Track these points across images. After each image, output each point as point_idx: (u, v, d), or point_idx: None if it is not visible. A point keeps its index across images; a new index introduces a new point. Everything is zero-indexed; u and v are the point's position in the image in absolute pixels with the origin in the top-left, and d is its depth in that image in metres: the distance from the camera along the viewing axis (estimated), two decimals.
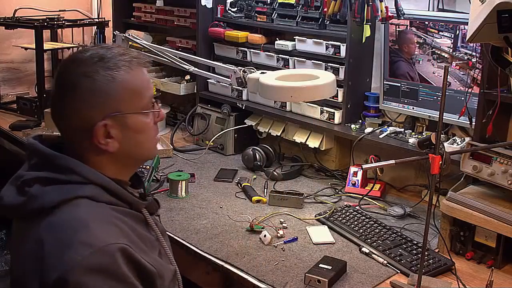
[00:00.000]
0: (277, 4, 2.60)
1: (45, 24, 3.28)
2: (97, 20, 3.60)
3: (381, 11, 2.10)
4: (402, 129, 2.32)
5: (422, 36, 2.17)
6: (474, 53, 2.03)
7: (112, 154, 1.19)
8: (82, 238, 1.05)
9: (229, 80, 2.22)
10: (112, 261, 1.04)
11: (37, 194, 1.12)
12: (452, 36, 2.08)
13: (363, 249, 1.84)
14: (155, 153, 1.33)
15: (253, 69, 2.17)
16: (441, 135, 1.47)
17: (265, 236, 1.88)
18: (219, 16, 2.84)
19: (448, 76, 1.65)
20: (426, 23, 2.16)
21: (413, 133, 2.29)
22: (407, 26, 2.20)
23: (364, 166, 1.61)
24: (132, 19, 3.30)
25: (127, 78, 1.17)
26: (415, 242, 1.86)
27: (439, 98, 2.18)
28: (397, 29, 2.23)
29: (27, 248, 1.12)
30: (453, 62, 2.11)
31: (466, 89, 2.05)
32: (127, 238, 1.10)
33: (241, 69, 2.16)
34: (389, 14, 2.12)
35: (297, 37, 2.53)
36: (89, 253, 1.03)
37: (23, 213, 1.14)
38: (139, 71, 1.20)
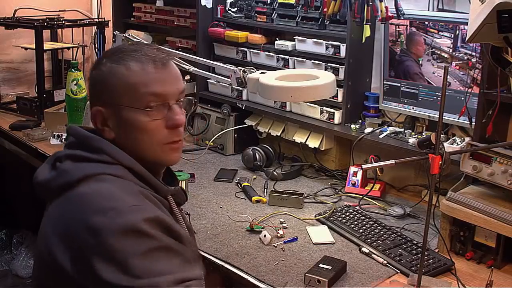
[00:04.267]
0: (277, 4, 2.60)
1: (45, 24, 3.28)
2: (97, 20, 3.60)
3: (381, 11, 2.10)
4: (402, 129, 2.32)
5: (422, 36, 2.17)
6: (474, 53, 2.03)
7: (120, 145, 1.22)
8: (109, 203, 1.09)
9: (229, 80, 2.22)
10: (133, 220, 1.07)
11: (67, 169, 1.17)
12: (452, 36, 2.08)
13: (363, 249, 1.84)
14: (167, 159, 1.26)
15: (253, 69, 2.17)
16: (441, 135, 1.47)
17: (265, 236, 1.89)
18: (219, 16, 2.84)
19: (448, 76, 1.65)
20: (426, 23, 2.16)
21: (413, 133, 2.30)
22: (410, 26, 2.20)
23: (364, 166, 1.61)
24: (132, 19, 3.30)
25: (124, 73, 1.20)
26: (415, 242, 1.86)
27: (439, 98, 2.18)
28: (397, 29, 2.23)
29: (52, 218, 1.17)
30: (453, 62, 2.11)
31: (466, 89, 2.05)
32: (153, 209, 1.14)
33: (241, 69, 2.16)
34: (389, 14, 2.12)
35: (297, 37, 2.53)
36: (115, 214, 1.07)
37: (53, 187, 1.18)
38: (145, 67, 1.21)
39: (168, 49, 1.42)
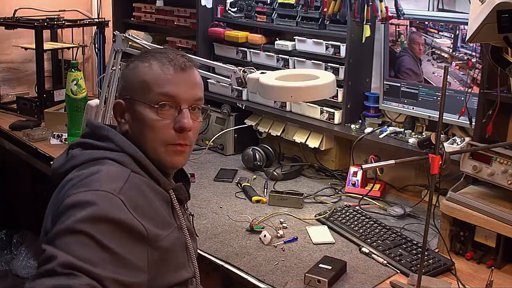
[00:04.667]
0: (277, 4, 2.60)
1: (45, 24, 3.28)
2: (97, 20, 3.60)
3: (381, 11, 2.10)
4: (402, 129, 2.32)
5: (422, 36, 2.17)
6: (474, 53, 2.03)
7: (131, 138, 1.27)
8: (88, 181, 1.14)
9: (229, 80, 2.22)
10: (96, 202, 1.09)
11: (75, 155, 1.25)
12: (452, 36, 2.08)
13: (363, 249, 1.84)
14: (163, 158, 1.27)
15: (253, 69, 2.17)
16: (441, 135, 1.47)
17: (265, 236, 1.89)
18: (219, 16, 2.84)
19: (448, 76, 1.65)
20: (426, 23, 2.16)
21: (413, 133, 2.30)
22: (410, 26, 2.20)
23: (364, 166, 1.61)
24: (132, 19, 3.30)
25: (144, 70, 1.28)
26: (415, 242, 1.86)
27: (439, 98, 2.18)
28: (397, 29, 2.23)
29: (51, 200, 1.24)
30: (453, 62, 2.11)
31: (466, 89, 2.05)
32: (127, 197, 1.14)
33: (241, 69, 2.16)
34: (389, 14, 2.12)
35: (297, 37, 2.53)
36: (83, 190, 1.12)
37: (61, 172, 1.24)
38: (163, 69, 1.27)
39: (193, 57, 1.48)
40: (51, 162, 1.34)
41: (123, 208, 1.11)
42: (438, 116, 1.43)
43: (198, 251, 1.82)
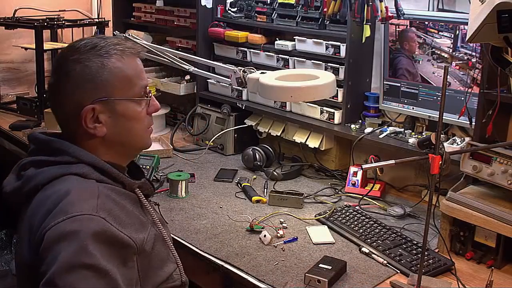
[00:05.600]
0: (277, 4, 2.60)
1: (45, 24, 3.28)
2: (97, 20, 3.60)
3: (381, 11, 2.10)
4: (402, 129, 2.32)
5: (422, 36, 2.17)
6: (474, 53, 2.03)
7: (104, 139, 1.24)
8: (62, 206, 1.10)
9: (229, 80, 2.22)
10: (80, 229, 1.06)
11: (32, 175, 1.20)
12: (452, 36, 2.08)
13: (363, 249, 1.84)
14: (148, 143, 1.33)
15: (253, 69, 2.17)
16: (441, 135, 1.47)
17: (265, 236, 1.89)
18: (219, 16, 2.84)
19: (448, 76, 1.65)
20: (426, 23, 2.16)
21: (413, 133, 2.30)
22: (406, 26, 2.20)
23: (364, 166, 1.61)
24: (132, 19, 3.30)
25: (119, 66, 1.22)
26: (415, 242, 1.86)
27: (439, 98, 2.18)
28: (397, 28, 2.23)
29: (23, 225, 1.20)
30: (453, 62, 2.11)
31: (466, 89, 2.05)
32: (106, 211, 1.12)
33: (241, 69, 2.16)
34: (389, 14, 2.12)
35: (297, 37, 2.53)
36: (62, 219, 1.08)
37: (21, 195, 1.21)
38: (132, 60, 1.25)
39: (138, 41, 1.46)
40: (3, 185, 1.26)
41: (108, 225, 1.10)
42: (438, 116, 1.43)
43: (198, 251, 1.84)
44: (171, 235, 1.42)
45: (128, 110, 1.25)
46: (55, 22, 3.35)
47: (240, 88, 2.39)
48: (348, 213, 2.07)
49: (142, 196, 1.28)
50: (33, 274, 1.11)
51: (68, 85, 1.21)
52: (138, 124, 1.27)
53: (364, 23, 2.15)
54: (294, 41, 2.55)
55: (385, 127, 2.37)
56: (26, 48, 3.39)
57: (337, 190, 2.36)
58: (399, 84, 2.30)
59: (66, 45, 3.58)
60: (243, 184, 2.33)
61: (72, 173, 1.17)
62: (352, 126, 2.40)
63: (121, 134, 1.26)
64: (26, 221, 1.19)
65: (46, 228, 1.08)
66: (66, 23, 3.40)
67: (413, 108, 2.28)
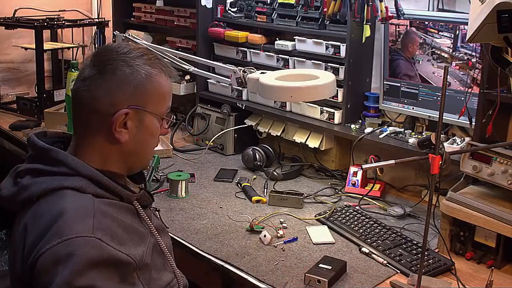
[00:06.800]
0: (277, 4, 2.60)
1: (45, 24, 3.28)
2: (97, 20, 3.59)
3: (381, 11, 2.10)
4: (402, 129, 2.32)
5: (422, 36, 2.17)
6: (474, 53, 2.03)
7: (121, 146, 1.24)
8: (56, 228, 1.08)
9: (229, 80, 2.22)
10: (75, 252, 1.05)
11: (27, 185, 1.18)
12: (452, 36, 2.08)
13: (363, 249, 1.84)
14: (148, 164, 1.39)
15: (253, 69, 2.17)
16: (441, 135, 1.47)
17: (265, 236, 1.89)
18: (219, 16, 2.84)
19: (448, 76, 1.65)
20: (426, 23, 2.16)
21: (413, 133, 2.30)
22: (406, 26, 2.20)
23: (364, 166, 1.61)
24: (132, 19, 3.30)
25: (160, 81, 1.25)
26: (415, 242, 1.86)
27: (439, 98, 2.18)
28: (397, 29, 2.23)
29: (16, 235, 1.19)
30: (453, 62, 2.11)
31: (466, 89, 2.05)
32: (103, 231, 1.10)
33: (241, 69, 2.16)
34: (389, 14, 2.12)
35: (297, 37, 2.53)
36: (57, 242, 1.06)
37: (15, 203, 1.19)
38: (167, 79, 1.28)
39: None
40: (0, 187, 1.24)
41: (103, 246, 1.08)
42: (438, 116, 1.43)
43: (198, 251, 1.84)
44: (171, 245, 1.41)
45: (153, 125, 1.26)
46: (55, 22, 3.35)
47: (240, 88, 2.39)
48: (348, 213, 2.07)
49: (140, 208, 1.27)
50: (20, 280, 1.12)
51: (110, 83, 1.20)
52: (153, 140, 1.30)
53: (364, 23, 2.16)
54: (294, 41, 2.55)
55: (385, 127, 2.37)
56: (26, 48, 3.39)
57: (337, 190, 2.36)
58: (399, 84, 2.30)
59: (66, 45, 3.61)
60: (243, 184, 2.33)
61: (68, 187, 1.15)
62: (352, 126, 2.40)
63: (137, 145, 1.26)
64: (20, 233, 1.16)
65: (40, 251, 1.06)
66: (66, 23, 3.40)
67: (413, 108, 2.28)
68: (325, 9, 2.30)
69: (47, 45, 3.36)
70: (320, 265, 1.69)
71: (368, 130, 2.35)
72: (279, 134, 2.66)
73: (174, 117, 1.34)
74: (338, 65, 2.39)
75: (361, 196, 2.25)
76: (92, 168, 1.19)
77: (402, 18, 2.15)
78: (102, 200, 1.18)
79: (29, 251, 1.10)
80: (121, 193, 1.23)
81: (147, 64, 1.23)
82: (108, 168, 1.24)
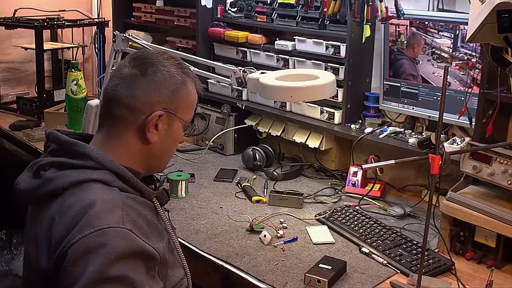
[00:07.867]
0: (277, 4, 2.60)
1: (45, 24, 3.28)
2: (97, 20, 3.60)
3: (381, 11, 2.10)
4: (402, 129, 2.32)
5: (422, 36, 2.17)
6: (474, 53, 2.03)
7: (147, 147, 1.27)
8: (87, 218, 1.09)
9: (229, 80, 2.22)
10: (107, 242, 1.06)
11: (52, 177, 1.18)
12: (452, 36, 2.08)
13: (363, 249, 1.84)
14: (165, 167, 1.45)
15: (253, 69, 2.17)
16: (441, 135, 1.47)
17: (265, 236, 1.89)
18: (219, 16, 2.84)
19: (448, 76, 1.65)
20: (426, 23, 2.16)
21: (413, 133, 2.30)
22: (406, 26, 2.20)
23: (364, 166, 1.61)
24: (132, 19, 3.30)
25: (192, 90, 1.32)
26: (415, 242, 1.86)
27: (439, 98, 2.18)
28: (397, 29, 2.23)
29: (39, 229, 1.17)
30: (453, 62, 2.11)
31: (466, 89, 2.05)
32: (132, 223, 1.13)
33: (241, 69, 2.16)
34: (389, 14, 2.12)
35: (297, 37, 2.53)
36: (89, 233, 1.07)
37: (37, 196, 1.20)
38: (195, 91, 1.34)
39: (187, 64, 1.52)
40: (17, 182, 1.25)
41: (134, 237, 1.10)
42: (438, 116, 1.43)
43: (198, 251, 1.85)
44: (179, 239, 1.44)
45: (179, 130, 1.32)
46: (55, 22, 3.35)
47: (240, 88, 2.39)
48: (348, 213, 2.07)
49: (159, 205, 1.30)
50: (51, 282, 1.11)
51: (150, 84, 1.25)
52: (175, 145, 1.36)
53: (364, 23, 2.15)
54: (294, 41, 2.55)
55: (385, 127, 2.37)
56: (26, 48, 3.39)
57: (337, 190, 2.36)
58: (399, 84, 2.30)
59: (66, 45, 3.61)
60: (243, 184, 2.33)
61: (94, 179, 1.16)
62: (352, 126, 2.40)
63: (162, 148, 1.30)
64: (44, 226, 1.16)
65: (71, 242, 1.07)
66: (66, 23, 3.40)
67: (413, 108, 2.28)
68: (325, 9, 2.30)
69: (47, 45, 3.36)
70: (320, 265, 1.69)
71: (368, 130, 2.35)
72: (279, 134, 2.67)
73: (196, 127, 1.36)
74: (338, 65, 2.39)
75: (361, 196, 2.25)
76: (117, 163, 1.22)
77: (402, 18, 2.15)
78: (127, 194, 1.20)
79: (58, 242, 1.10)
80: (143, 189, 1.25)
81: (183, 73, 1.30)
82: (131, 165, 1.26)
